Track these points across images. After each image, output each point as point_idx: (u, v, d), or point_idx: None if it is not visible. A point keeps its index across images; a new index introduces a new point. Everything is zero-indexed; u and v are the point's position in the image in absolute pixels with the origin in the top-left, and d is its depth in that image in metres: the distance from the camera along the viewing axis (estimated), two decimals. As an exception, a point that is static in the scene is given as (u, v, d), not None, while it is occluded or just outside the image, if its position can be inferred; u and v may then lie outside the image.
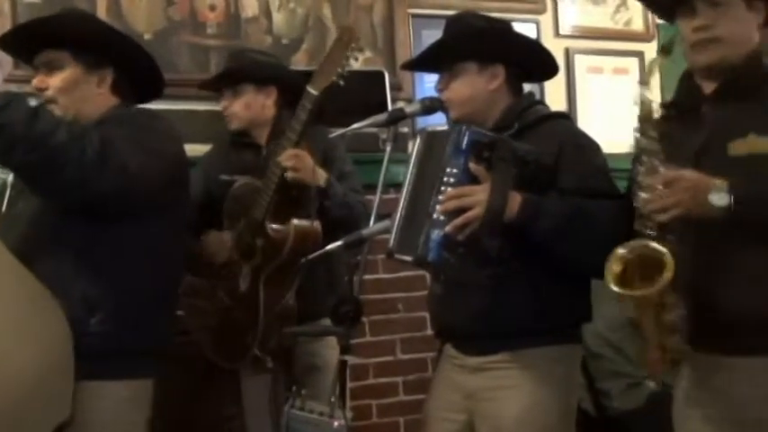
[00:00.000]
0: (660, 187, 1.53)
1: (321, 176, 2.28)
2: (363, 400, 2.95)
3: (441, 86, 2.03)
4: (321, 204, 2.26)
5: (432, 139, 1.89)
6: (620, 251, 1.56)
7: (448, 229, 1.70)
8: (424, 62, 2.15)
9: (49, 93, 1.78)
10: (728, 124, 1.60)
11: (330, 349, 2.32)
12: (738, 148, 1.56)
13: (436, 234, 1.73)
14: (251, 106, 2.47)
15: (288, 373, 2.01)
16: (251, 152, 2.50)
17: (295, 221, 2.23)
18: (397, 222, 1.83)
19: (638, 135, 1.64)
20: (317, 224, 2.24)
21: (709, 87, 1.66)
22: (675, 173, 1.54)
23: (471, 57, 1.96)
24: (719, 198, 1.49)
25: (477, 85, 1.98)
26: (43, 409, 1.60)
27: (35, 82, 1.81)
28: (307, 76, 2.33)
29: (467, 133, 1.78)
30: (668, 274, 1.49)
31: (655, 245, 1.55)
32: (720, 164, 1.56)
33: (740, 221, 1.52)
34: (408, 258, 1.81)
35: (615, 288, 1.54)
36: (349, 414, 1.80)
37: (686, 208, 1.51)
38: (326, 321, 2.43)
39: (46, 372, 1.61)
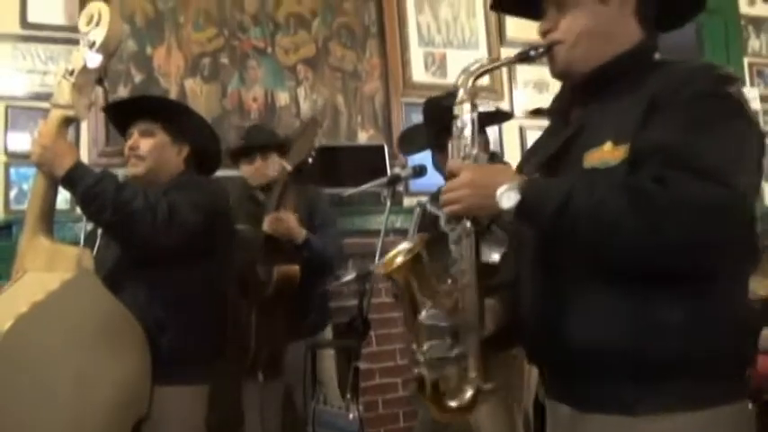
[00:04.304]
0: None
1: (300, 234, 2.25)
2: (371, 396, 2.90)
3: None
4: (301, 253, 2.25)
5: None
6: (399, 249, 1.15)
7: None
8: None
9: (141, 152, 1.80)
10: (588, 130, 1.07)
11: (329, 358, 2.36)
12: (592, 158, 1.02)
13: None
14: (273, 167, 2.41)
15: (313, 377, 1.97)
16: (253, 204, 2.44)
17: (279, 267, 2.19)
18: None
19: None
20: (295, 268, 2.21)
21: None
22: (459, 164, 1.07)
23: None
24: (508, 198, 0.99)
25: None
26: (129, 405, 1.59)
27: (131, 142, 1.82)
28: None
29: None
30: (394, 263, 1.09)
31: (405, 245, 1.13)
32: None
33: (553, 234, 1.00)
34: None
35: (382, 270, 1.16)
36: (360, 408, 1.78)
37: (469, 204, 1.03)
38: (326, 333, 2.46)
39: (133, 376, 1.60)
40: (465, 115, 1.10)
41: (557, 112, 1.22)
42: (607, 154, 1.01)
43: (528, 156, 1.29)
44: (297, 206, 2.32)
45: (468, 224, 1.06)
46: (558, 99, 1.22)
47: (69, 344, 1.52)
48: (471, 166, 1.06)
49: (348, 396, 1.79)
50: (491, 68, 1.14)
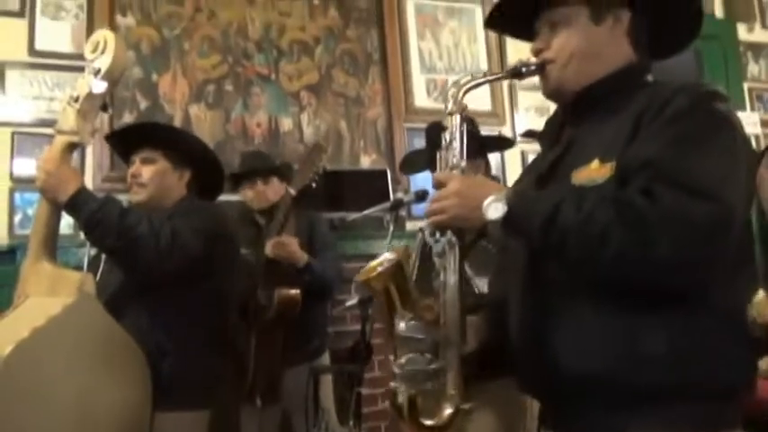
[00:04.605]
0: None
1: (302, 258, 2.26)
2: (374, 422, 2.87)
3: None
4: (302, 277, 2.26)
5: None
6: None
7: None
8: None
9: (142, 179, 1.81)
10: (576, 149, 1.07)
11: (328, 383, 2.35)
12: (580, 176, 1.01)
13: None
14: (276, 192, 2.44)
15: (315, 403, 1.96)
16: (253, 228, 2.45)
17: (279, 290, 2.20)
18: None
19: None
20: (296, 292, 2.22)
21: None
22: (446, 174, 1.06)
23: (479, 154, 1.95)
24: (495, 209, 0.97)
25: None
26: (130, 431, 1.57)
27: (132, 169, 1.84)
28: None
29: None
30: (373, 273, 1.06)
31: (387, 255, 1.09)
32: None
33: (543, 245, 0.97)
34: None
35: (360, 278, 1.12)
36: (363, 434, 1.76)
37: (455, 214, 1.01)
38: (323, 359, 2.45)
39: (134, 401, 1.58)
40: (454, 127, 1.09)
41: (548, 134, 1.20)
42: (594, 172, 0.99)
43: (522, 177, 1.29)
44: (297, 230, 2.33)
45: (453, 237, 1.02)
46: (549, 122, 1.22)
47: (70, 369, 1.51)
48: (459, 177, 1.04)
49: (351, 422, 1.77)
50: (481, 82, 1.13)
